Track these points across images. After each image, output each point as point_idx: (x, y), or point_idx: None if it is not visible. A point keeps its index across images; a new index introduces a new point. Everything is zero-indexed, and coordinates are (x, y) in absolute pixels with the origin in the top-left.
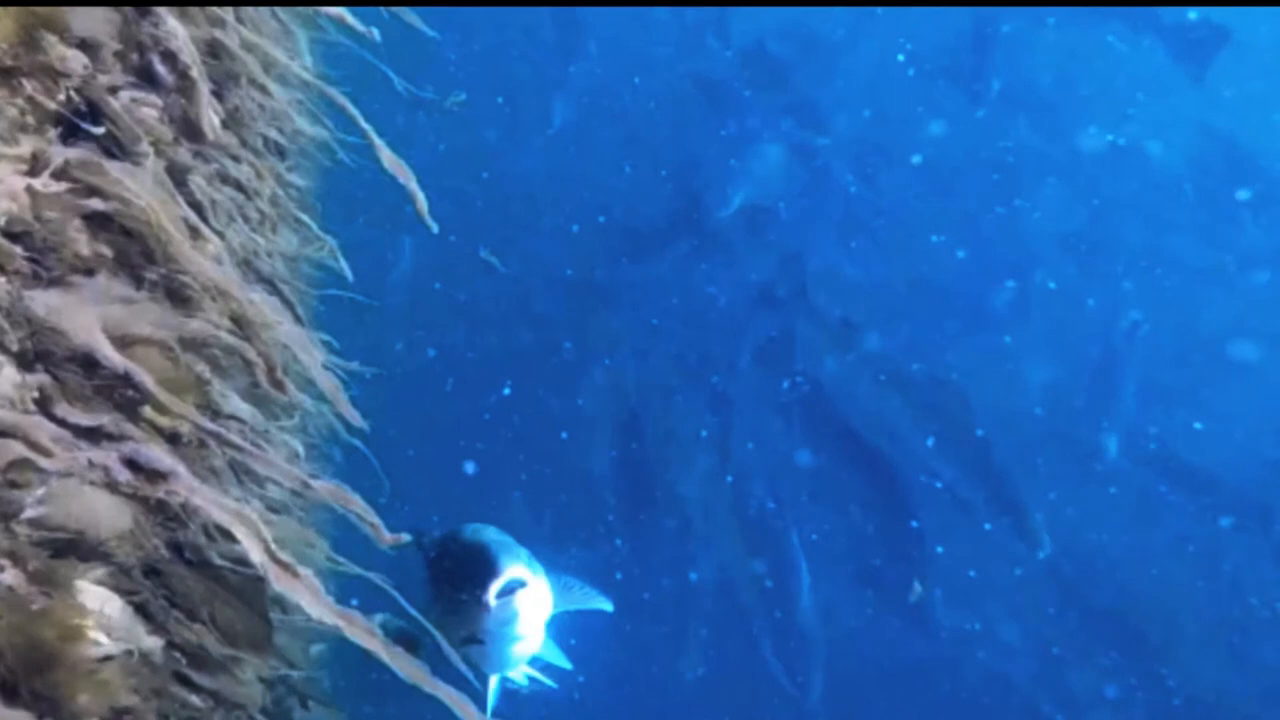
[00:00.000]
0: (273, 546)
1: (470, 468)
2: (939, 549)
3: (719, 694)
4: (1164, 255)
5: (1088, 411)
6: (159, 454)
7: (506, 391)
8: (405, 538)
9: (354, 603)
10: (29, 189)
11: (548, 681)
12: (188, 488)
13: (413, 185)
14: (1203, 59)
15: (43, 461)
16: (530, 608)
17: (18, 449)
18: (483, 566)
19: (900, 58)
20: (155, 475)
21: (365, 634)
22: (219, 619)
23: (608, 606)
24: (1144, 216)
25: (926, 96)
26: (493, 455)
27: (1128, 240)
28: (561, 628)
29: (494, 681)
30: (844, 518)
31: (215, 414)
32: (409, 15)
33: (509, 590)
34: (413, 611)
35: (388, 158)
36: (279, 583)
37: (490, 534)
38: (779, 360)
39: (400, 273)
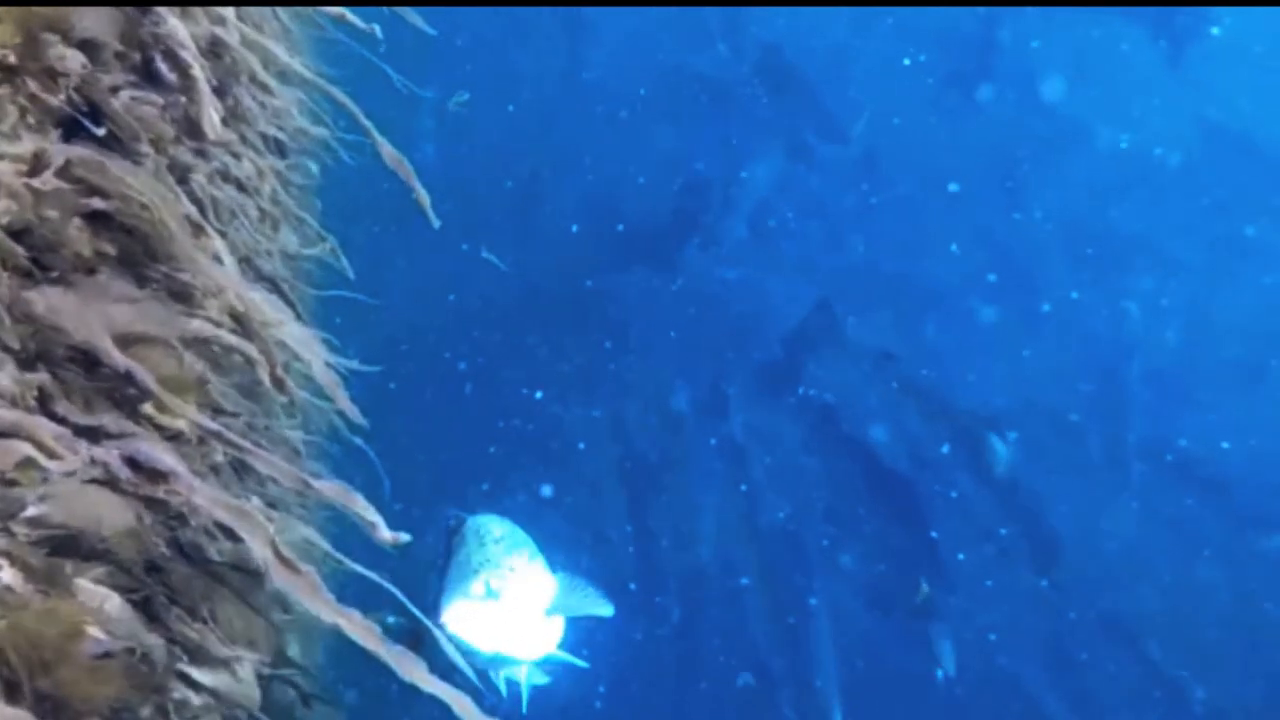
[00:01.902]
0: (276, 543)
1: (547, 491)
2: (959, 556)
3: (725, 705)
4: (1178, 258)
5: (1103, 419)
6: (159, 453)
7: (516, 397)
8: (405, 537)
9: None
10: (30, 187)
11: (579, 663)
12: (188, 487)
13: (414, 181)
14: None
15: (45, 460)
16: (481, 632)
17: (20, 448)
18: (441, 591)
19: (906, 61)
20: (156, 475)
21: (364, 632)
22: (220, 616)
23: (608, 611)
24: (1157, 219)
25: (934, 101)
26: (500, 461)
27: (1140, 244)
28: (576, 638)
29: (524, 674)
30: (858, 525)
31: (217, 411)
32: (411, 15)
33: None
34: (413, 609)
35: (388, 154)
36: (281, 580)
37: (470, 542)
38: (790, 369)
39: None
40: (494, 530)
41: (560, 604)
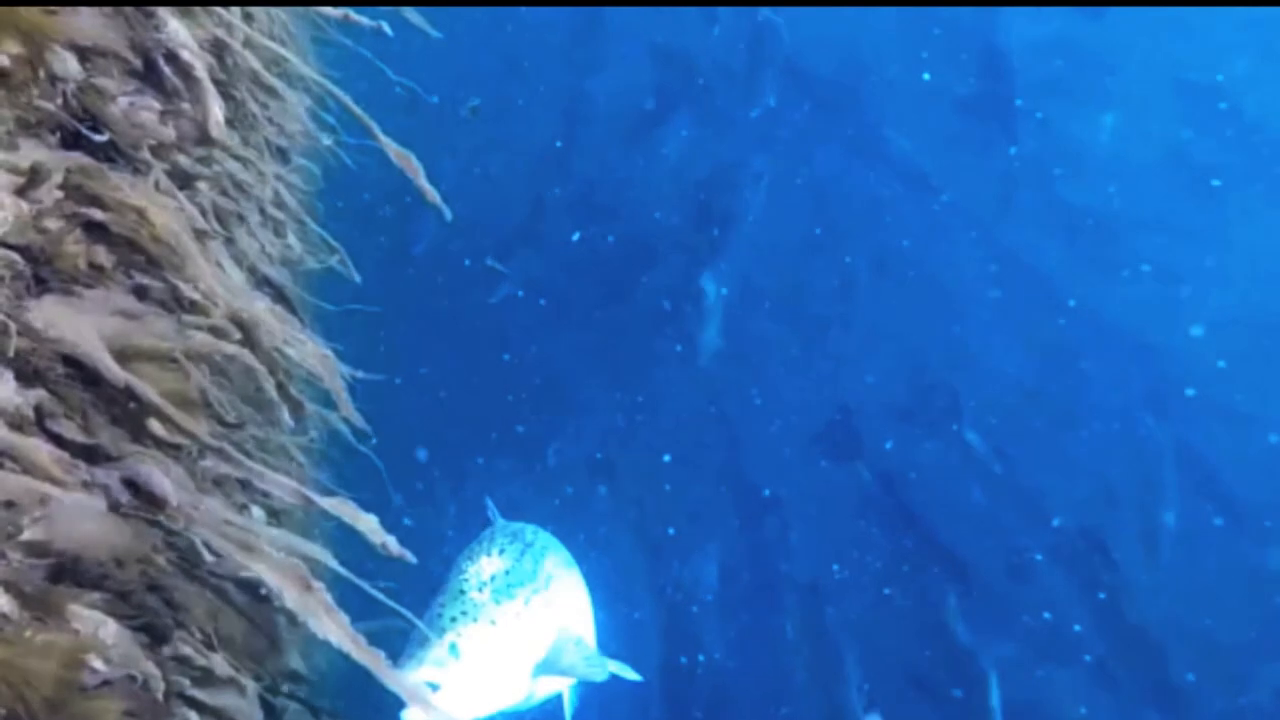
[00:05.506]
0: (283, 568)
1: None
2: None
3: None
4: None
5: (1148, 456)
6: (159, 478)
7: (543, 436)
8: (411, 558)
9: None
10: (29, 198)
11: (634, 676)
12: (188, 516)
13: (421, 180)
14: None
15: (45, 486)
16: (441, 700)
17: (24, 482)
18: (413, 636)
19: (926, 76)
20: (155, 500)
21: (372, 659)
22: (223, 633)
23: (601, 675)
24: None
25: (964, 132)
26: (522, 506)
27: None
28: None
29: (567, 694)
30: (903, 583)
31: (220, 423)
32: (413, 15)
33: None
34: (412, 619)
35: (394, 152)
36: (292, 602)
37: (452, 583)
38: (843, 440)
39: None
40: (486, 567)
41: (550, 663)
